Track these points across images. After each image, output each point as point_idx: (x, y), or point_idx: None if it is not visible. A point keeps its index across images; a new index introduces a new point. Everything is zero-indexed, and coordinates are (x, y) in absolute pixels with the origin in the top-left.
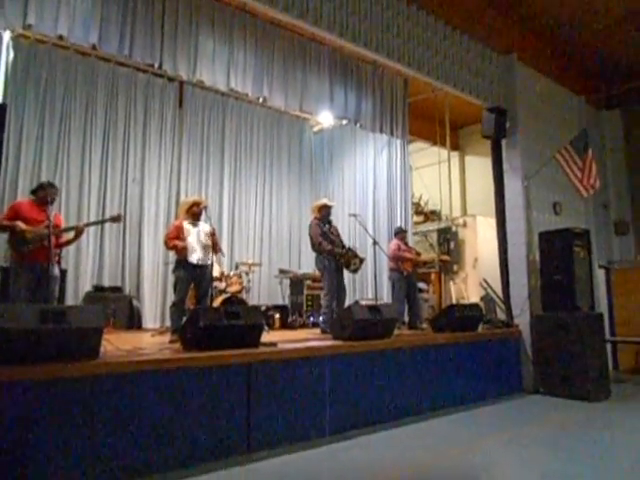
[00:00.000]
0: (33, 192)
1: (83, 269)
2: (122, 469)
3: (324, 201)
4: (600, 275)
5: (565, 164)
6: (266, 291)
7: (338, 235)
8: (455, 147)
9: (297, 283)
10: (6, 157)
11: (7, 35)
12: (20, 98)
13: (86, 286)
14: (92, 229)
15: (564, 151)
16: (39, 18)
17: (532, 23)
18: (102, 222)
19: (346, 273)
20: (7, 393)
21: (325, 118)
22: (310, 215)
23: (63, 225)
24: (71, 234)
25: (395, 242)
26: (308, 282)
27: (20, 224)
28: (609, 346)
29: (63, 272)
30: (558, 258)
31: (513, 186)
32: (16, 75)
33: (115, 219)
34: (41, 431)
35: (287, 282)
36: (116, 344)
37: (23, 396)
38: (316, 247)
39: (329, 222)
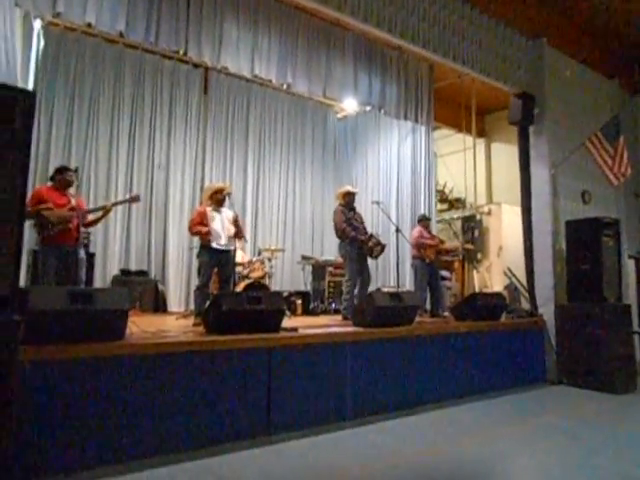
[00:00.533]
0: (51, 178)
1: (111, 253)
2: (146, 447)
3: (348, 188)
4: (630, 265)
5: (595, 151)
6: (288, 277)
7: (362, 222)
8: (481, 134)
9: (319, 270)
10: (37, 142)
11: (38, 23)
12: (50, 85)
13: (114, 270)
14: (119, 216)
15: (594, 138)
16: (68, 6)
17: (563, 6)
18: (121, 202)
19: (371, 260)
20: (37, 372)
21: (349, 104)
22: (334, 202)
23: (85, 207)
24: (98, 213)
25: (418, 229)
26: (330, 269)
27: (43, 206)
28: (637, 338)
29: (91, 255)
30: (585, 247)
31: (540, 174)
32: (46, 63)
33: (134, 199)
34: (68, 409)
35: (309, 268)
36: (141, 326)
37: (52, 375)
38: (339, 233)
39: (353, 209)
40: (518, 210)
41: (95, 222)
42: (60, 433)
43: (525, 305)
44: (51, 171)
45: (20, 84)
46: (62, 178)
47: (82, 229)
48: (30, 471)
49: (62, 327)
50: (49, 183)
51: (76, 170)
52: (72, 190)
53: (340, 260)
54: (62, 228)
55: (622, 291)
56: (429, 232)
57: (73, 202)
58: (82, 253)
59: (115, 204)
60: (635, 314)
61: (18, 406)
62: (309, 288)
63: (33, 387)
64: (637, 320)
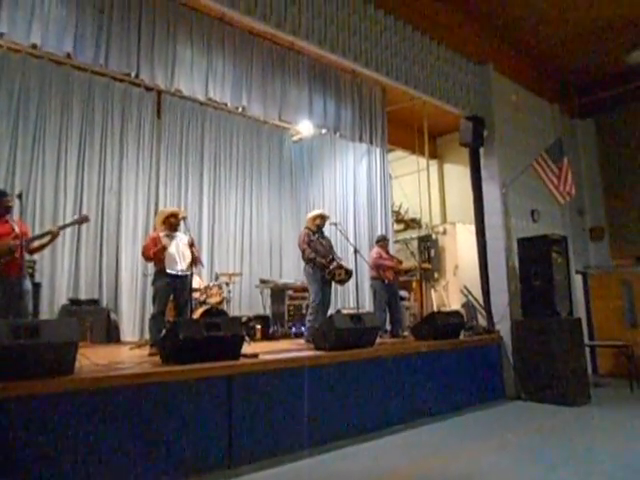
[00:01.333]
0: None
1: (58, 282)
2: None
3: (319, 211)
4: (577, 280)
5: (542, 172)
6: (247, 301)
7: (330, 247)
8: (434, 155)
9: (278, 293)
10: None
11: None
12: None
13: (62, 299)
14: (67, 241)
15: (540, 159)
16: (12, 26)
17: (507, 34)
18: (70, 225)
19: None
20: None
21: (304, 127)
22: (293, 224)
23: (30, 233)
24: (46, 239)
25: (376, 250)
26: (289, 292)
27: None
28: (588, 350)
29: (37, 285)
30: (537, 264)
31: (491, 193)
32: None
33: (83, 219)
34: (12, 450)
35: (268, 292)
36: (92, 359)
37: None
38: (302, 255)
39: (321, 233)
40: (472, 229)
41: (41, 248)
42: (6, 475)
43: (482, 322)
44: None
45: None
46: (0, 204)
47: (26, 256)
48: None
49: (7, 363)
50: None
51: (20, 195)
52: (15, 216)
53: (299, 283)
54: (8, 259)
55: (573, 305)
56: (387, 252)
57: (16, 229)
58: (27, 284)
59: (62, 227)
60: (585, 328)
61: None
62: (268, 312)
63: None
64: (587, 333)
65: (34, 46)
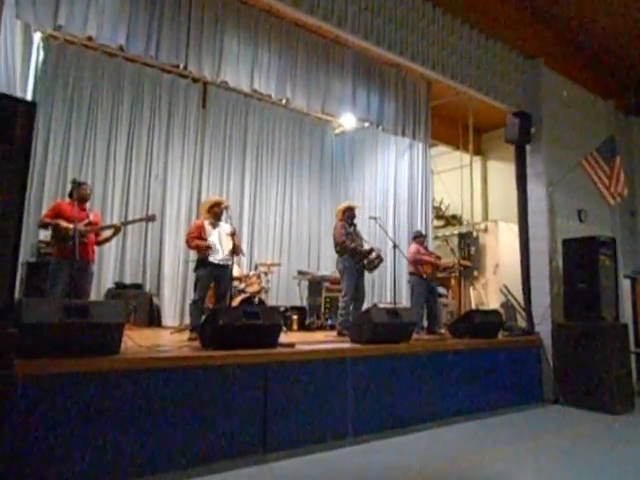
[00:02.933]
0: (70, 194)
1: (105, 266)
2: (138, 464)
3: (348, 203)
4: (626, 285)
5: (591, 171)
6: (284, 292)
7: (362, 239)
8: (477, 152)
9: (315, 285)
10: (34, 155)
11: (38, 36)
12: (49, 98)
13: (108, 283)
14: None
15: (590, 157)
16: (69, 19)
17: (561, 28)
18: (137, 221)
19: (368, 275)
20: (30, 385)
21: (347, 120)
22: (334, 218)
23: (101, 223)
24: (109, 232)
25: (414, 246)
26: (326, 284)
27: (61, 222)
28: (634, 358)
29: None
30: (582, 266)
31: (536, 192)
32: (45, 75)
33: (150, 218)
34: (60, 423)
35: (305, 283)
36: (136, 340)
37: (45, 388)
38: (339, 248)
39: (354, 225)
40: (515, 227)
41: (106, 241)
42: (52, 448)
43: (521, 323)
44: (47, 183)
45: (19, 95)
46: (78, 192)
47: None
48: None
49: (56, 340)
50: (67, 199)
51: (73, 181)
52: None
53: (336, 276)
54: (78, 243)
55: (619, 310)
56: (425, 248)
57: (91, 217)
58: (92, 268)
59: (126, 223)
60: (631, 334)
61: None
62: (305, 303)
63: (26, 401)
64: (634, 340)
65: (89, 38)
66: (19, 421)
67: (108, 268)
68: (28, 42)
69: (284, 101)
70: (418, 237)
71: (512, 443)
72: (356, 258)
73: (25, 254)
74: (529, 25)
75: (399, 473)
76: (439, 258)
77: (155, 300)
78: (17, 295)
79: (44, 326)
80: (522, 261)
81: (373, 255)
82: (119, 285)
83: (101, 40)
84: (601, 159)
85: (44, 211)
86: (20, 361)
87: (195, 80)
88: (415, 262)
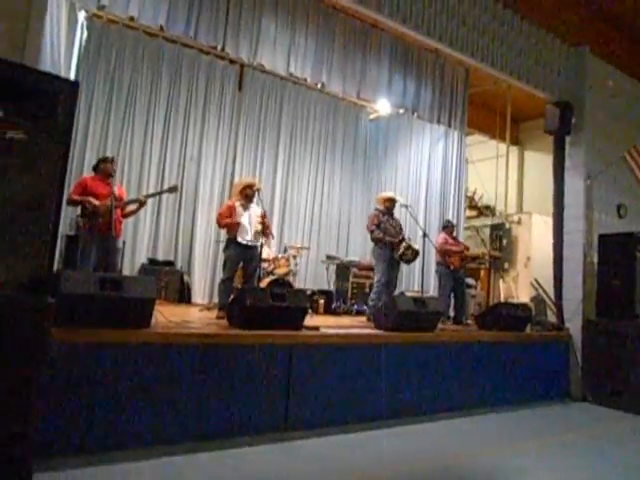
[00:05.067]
0: (95, 168)
1: (140, 242)
2: (163, 433)
3: (390, 194)
4: None
5: (634, 164)
6: (312, 276)
7: (400, 228)
8: (514, 141)
9: (343, 270)
10: (75, 132)
11: (82, 15)
12: (91, 76)
13: (141, 258)
14: (149, 206)
15: (634, 150)
16: None
17: (608, 14)
18: (161, 193)
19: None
20: (66, 353)
21: (382, 106)
22: (363, 203)
23: (125, 197)
24: (134, 206)
25: (442, 235)
26: (354, 270)
27: (91, 198)
28: None
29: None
30: (618, 263)
31: (574, 185)
32: (88, 54)
33: (172, 189)
34: (94, 391)
35: (333, 268)
36: (166, 316)
37: (79, 357)
38: (370, 235)
39: (391, 215)
40: (549, 221)
41: (131, 214)
42: (84, 414)
43: (551, 318)
44: (87, 160)
45: (63, 74)
46: (104, 168)
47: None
48: (51, 448)
49: (91, 311)
50: (91, 173)
51: (112, 160)
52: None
53: (364, 261)
54: (106, 219)
55: None
56: (454, 238)
57: (116, 192)
58: (120, 242)
59: (150, 196)
60: None
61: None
62: (332, 288)
63: (60, 368)
64: None
65: (131, 18)
66: (52, 386)
67: (142, 244)
68: (72, 21)
69: (319, 85)
70: (447, 227)
71: (535, 438)
72: (388, 248)
73: (64, 227)
74: (574, 11)
75: (417, 459)
76: (467, 249)
77: (186, 278)
78: (56, 267)
79: (80, 297)
80: (555, 255)
81: (403, 245)
82: (152, 261)
83: (142, 20)
84: None
85: None
86: (56, 329)
87: (232, 62)
88: (442, 252)
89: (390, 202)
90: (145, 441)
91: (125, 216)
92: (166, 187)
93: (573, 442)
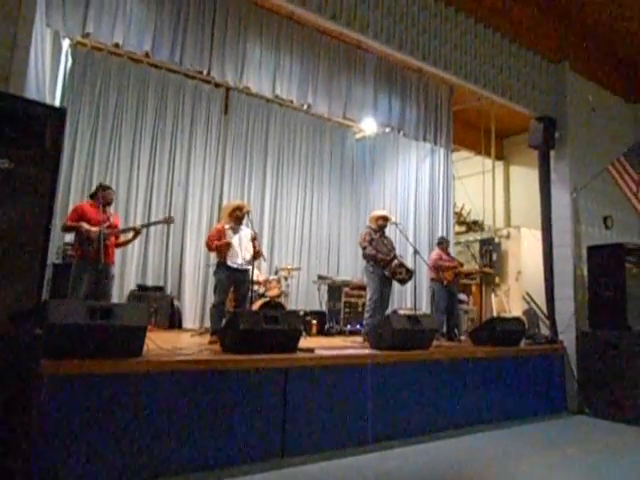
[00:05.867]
0: (92, 195)
1: (128, 268)
2: (156, 466)
3: (384, 213)
4: None
5: (618, 176)
6: (304, 296)
7: (392, 247)
8: (500, 157)
9: (335, 289)
10: (61, 158)
11: (66, 43)
12: (76, 103)
13: (130, 284)
14: None
15: (617, 163)
16: (97, 27)
17: (586, 31)
18: (156, 223)
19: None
20: (55, 385)
21: (368, 125)
22: (353, 222)
23: (120, 226)
24: (129, 235)
25: (437, 252)
26: (346, 289)
27: (85, 225)
28: None
29: None
30: (609, 274)
31: (560, 198)
32: (73, 81)
33: (168, 220)
34: (84, 424)
35: (325, 288)
36: (158, 343)
37: (69, 389)
38: (363, 253)
39: (383, 233)
40: (538, 234)
41: (126, 243)
42: (75, 448)
43: (544, 331)
44: (74, 187)
45: (48, 102)
46: (104, 195)
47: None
48: None
49: (80, 341)
50: (86, 200)
51: (110, 188)
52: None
53: (356, 281)
54: (100, 246)
55: None
56: (448, 254)
57: (112, 220)
58: (113, 271)
59: (146, 225)
60: None
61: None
62: (324, 308)
63: (50, 400)
64: None
65: (116, 45)
66: (43, 419)
67: (131, 270)
68: (57, 49)
69: (305, 106)
70: (442, 243)
71: (534, 454)
72: (380, 265)
73: (51, 256)
74: (554, 28)
75: None
76: (462, 265)
77: (176, 303)
78: (44, 296)
79: (69, 327)
80: (545, 268)
81: (395, 263)
82: (141, 287)
83: (128, 47)
84: (628, 165)
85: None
86: (46, 361)
87: (218, 86)
88: (436, 268)
89: (383, 220)
90: (139, 474)
91: (119, 245)
92: (158, 218)
93: (575, 456)
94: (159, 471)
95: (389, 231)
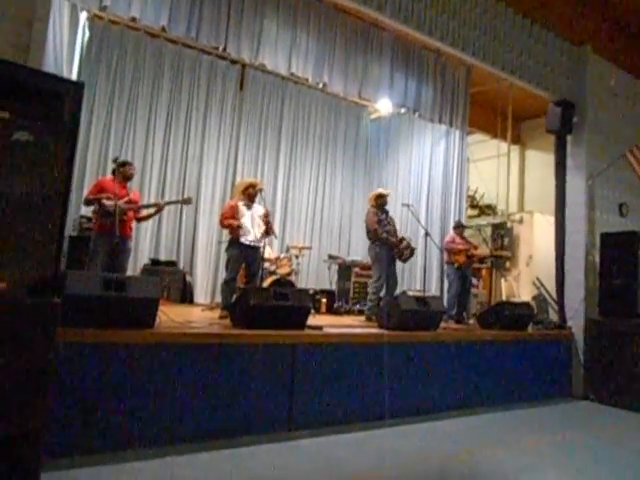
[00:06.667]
0: (114, 171)
1: (142, 243)
2: (167, 433)
3: (380, 190)
4: None
5: (636, 163)
6: (314, 275)
7: (394, 225)
8: (516, 141)
9: (345, 269)
10: None
11: (83, 16)
12: (93, 77)
13: (144, 259)
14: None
15: (636, 149)
16: (114, 0)
17: (609, 13)
18: (175, 202)
19: (398, 263)
20: (70, 354)
21: (383, 106)
22: (365, 204)
23: (140, 202)
24: (152, 210)
25: (451, 235)
26: (356, 269)
27: (104, 198)
28: None
29: None
30: (621, 261)
31: (576, 184)
32: (90, 55)
33: (186, 201)
34: (97, 391)
35: (335, 268)
36: (170, 316)
37: (84, 357)
38: (371, 235)
39: (386, 211)
40: (550, 219)
41: (147, 218)
42: (87, 414)
43: (553, 317)
44: (89, 161)
45: (65, 75)
46: (124, 171)
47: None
48: (56, 448)
49: (95, 312)
50: (109, 175)
51: (115, 160)
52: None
53: (366, 261)
54: (119, 219)
55: None
56: (463, 238)
57: (131, 195)
58: (130, 245)
59: (168, 203)
60: None
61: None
62: (334, 287)
63: (65, 368)
64: None
65: (133, 19)
66: (57, 386)
67: (144, 245)
68: (74, 22)
69: (321, 85)
70: (457, 227)
71: (538, 437)
72: (387, 246)
73: (67, 228)
74: (576, 10)
75: (419, 458)
76: (476, 248)
77: (188, 278)
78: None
79: (85, 298)
80: (557, 254)
81: (403, 245)
82: (154, 261)
83: (144, 21)
84: None
85: (85, 188)
86: (61, 329)
87: (234, 62)
88: (447, 250)
89: (382, 198)
90: (150, 441)
91: (140, 220)
92: (174, 192)
93: (576, 440)
94: (168, 439)
95: (400, 212)
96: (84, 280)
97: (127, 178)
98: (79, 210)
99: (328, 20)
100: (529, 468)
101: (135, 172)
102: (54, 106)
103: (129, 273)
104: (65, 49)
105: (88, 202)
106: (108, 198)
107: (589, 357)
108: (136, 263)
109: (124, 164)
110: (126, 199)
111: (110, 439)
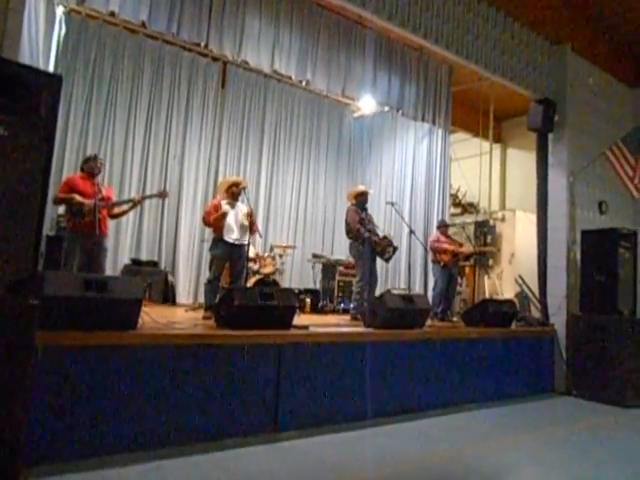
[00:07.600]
0: (82, 167)
1: (122, 242)
2: (150, 437)
3: (361, 188)
4: None
5: (616, 162)
6: (298, 274)
7: (373, 223)
8: (497, 139)
9: (329, 268)
10: None
11: (60, 10)
12: (70, 72)
13: (124, 259)
14: None
15: (615, 148)
16: None
17: (589, 12)
18: (150, 197)
19: (378, 261)
20: (50, 357)
21: (367, 104)
22: (346, 201)
23: (114, 198)
24: (126, 206)
25: (436, 234)
26: (340, 268)
27: (77, 196)
28: None
29: None
30: (601, 258)
31: (557, 182)
32: (67, 50)
33: (162, 194)
34: (78, 395)
35: (319, 267)
36: (152, 316)
37: (64, 361)
38: (353, 233)
39: (365, 209)
40: (532, 217)
41: (122, 214)
42: (69, 419)
43: (535, 314)
44: (67, 158)
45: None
46: (90, 167)
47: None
48: (37, 455)
49: (75, 314)
50: (79, 173)
51: (95, 158)
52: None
53: (350, 260)
54: (92, 218)
55: (637, 305)
56: (448, 236)
57: (103, 192)
58: (106, 243)
59: (144, 198)
60: None
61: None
62: (318, 286)
63: (45, 372)
64: None
65: (112, 14)
66: (36, 390)
67: (125, 244)
68: (50, 16)
69: (304, 82)
70: (441, 226)
71: (523, 433)
72: (371, 245)
73: (45, 228)
74: (556, 9)
75: (406, 457)
76: (461, 246)
77: (170, 278)
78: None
79: (64, 299)
80: (539, 251)
81: (385, 243)
82: (135, 261)
83: (123, 16)
84: (626, 150)
85: None
86: (40, 332)
87: (215, 59)
88: (433, 250)
89: (363, 196)
90: (134, 445)
91: (114, 216)
92: (155, 190)
93: (560, 436)
94: (153, 441)
95: (383, 211)
96: (64, 281)
97: (95, 174)
98: (57, 209)
99: (311, 17)
100: (514, 464)
101: (101, 166)
102: (31, 100)
103: (108, 273)
104: (41, 44)
105: (59, 201)
106: (82, 197)
107: (571, 353)
108: (116, 263)
109: (89, 159)
110: (99, 196)
111: (95, 444)
